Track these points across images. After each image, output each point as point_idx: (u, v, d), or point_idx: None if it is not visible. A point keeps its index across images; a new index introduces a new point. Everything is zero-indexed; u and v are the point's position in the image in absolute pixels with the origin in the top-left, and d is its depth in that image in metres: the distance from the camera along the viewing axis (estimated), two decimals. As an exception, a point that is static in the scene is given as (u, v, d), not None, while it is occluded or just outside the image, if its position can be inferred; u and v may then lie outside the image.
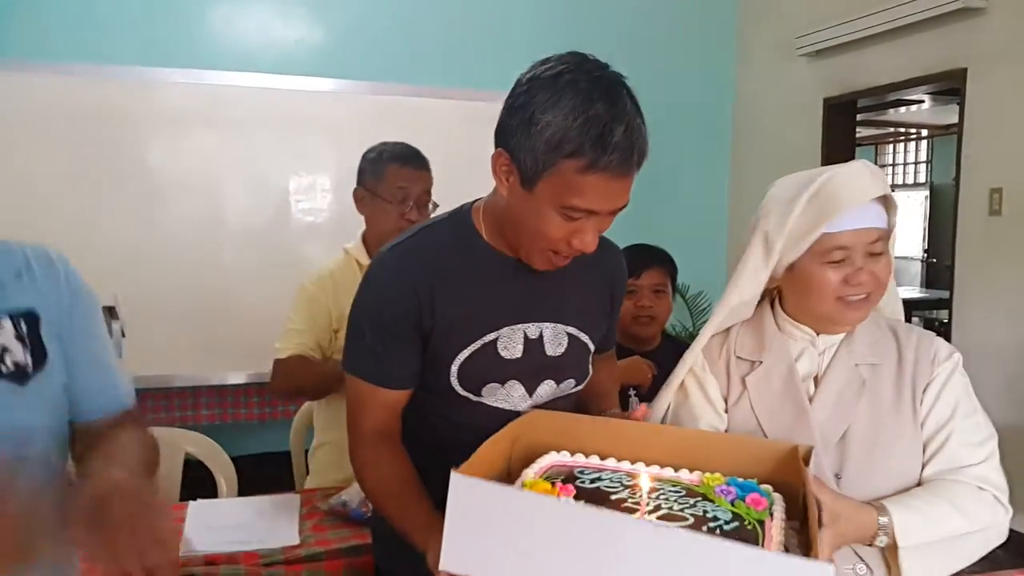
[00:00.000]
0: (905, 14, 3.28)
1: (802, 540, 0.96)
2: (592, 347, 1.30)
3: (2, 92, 3.11)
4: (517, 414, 1.23)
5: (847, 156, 3.98)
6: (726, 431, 1.27)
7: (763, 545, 0.91)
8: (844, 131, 3.98)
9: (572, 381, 1.28)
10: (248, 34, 3.76)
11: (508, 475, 1.11)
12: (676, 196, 4.18)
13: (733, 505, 0.98)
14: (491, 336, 1.19)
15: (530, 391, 1.24)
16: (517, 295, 1.20)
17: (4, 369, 0.90)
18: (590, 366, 1.32)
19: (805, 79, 4.01)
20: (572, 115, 1.00)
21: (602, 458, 1.10)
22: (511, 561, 0.87)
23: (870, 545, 1.11)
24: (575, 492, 0.97)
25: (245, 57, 3.70)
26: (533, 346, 1.22)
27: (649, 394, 2.09)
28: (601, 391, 1.43)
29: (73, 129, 3.28)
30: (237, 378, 3.43)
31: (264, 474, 2.14)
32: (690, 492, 1.01)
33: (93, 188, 3.29)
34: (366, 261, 2.03)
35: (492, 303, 1.19)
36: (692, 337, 4.12)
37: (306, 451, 2.41)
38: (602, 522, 0.85)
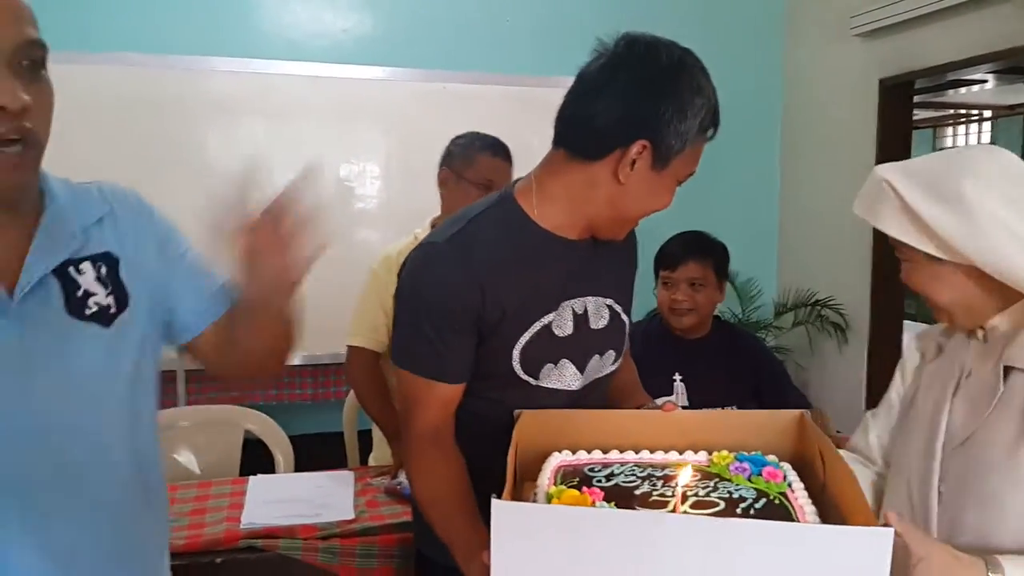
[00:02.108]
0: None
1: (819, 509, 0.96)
2: (627, 321, 1.32)
3: (63, 82, 3.17)
4: (568, 393, 1.24)
5: (903, 140, 3.88)
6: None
7: (797, 516, 0.92)
8: (900, 114, 3.87)
9: (612, 353, 1.31)
10: (299, 23, 3.80)
11: (520, 483, 1.10)
12: (726, 182, 4.11)
13: (751, 481, 0.99)
14: (548, 318, 1.20)
15: (580, 368, 1.25)
16: (566, 273, 1.22)
17: (88, 311, 0.93)
18: (625, 339, 1.33)
19: (859, 60, 3.91)
20: (709, 95, 1.14)
21: (604, 452, 1.09)
22: None
23: None
24: (603, 495, 0.95)
25: (295, 46, 3.74)
26: (581, 321, 1.23)
27: (694, 381, 2.09)
28: (625, 386, 1.43)
29: (131, 116, 3.36)
30: (293, 360, 3.48)
31: (318, 453, 2.19)
32: (705, 474, 1.01)
33: (150, 174, 3.33)
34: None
35: (546, 285, 1.20)
36: (742, 324, 4.06)
37: (359, 432, 2.46)
38: (655, 524, 0.85)
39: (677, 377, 2.08)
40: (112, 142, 3.30)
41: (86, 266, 0.95)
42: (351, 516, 1.65)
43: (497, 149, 2.07)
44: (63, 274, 0.93)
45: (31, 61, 0.85)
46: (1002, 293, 1.04)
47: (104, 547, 0.96)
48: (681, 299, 2.06)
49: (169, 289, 1.04)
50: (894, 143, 3.83)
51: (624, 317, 1.32)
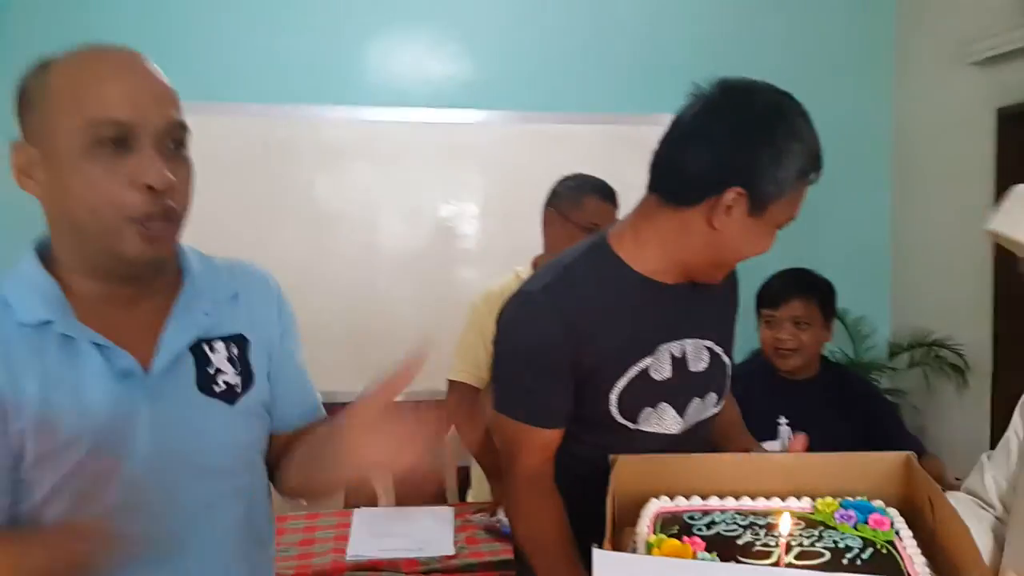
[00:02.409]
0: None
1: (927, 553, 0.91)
2: (729, 363, 1.30)
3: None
4: (669, 437, 1.22)
5: (1025, 169, 3.68)
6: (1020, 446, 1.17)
7: (905, 567, 0.88)
8: (1020, 143, 3.68)
9: (714, 396, 1.28)
10: (403, 72, 3.95)
11: (619, 529, 1.07)
12: (833, 217, 3.99)
13: (857, 529, 0.95)
14: (645, 362, 1.20)
15: (680, 411, 1.24)
16: (662, 317, 1.21)
17: (217, 389, 0.97)
18: (728, 381, 1.30)
19: (974, 88, 3.75)
20: (807, 140, 1.12)
21: (703, 498, 1.06)
22: None
23: None
24: (705, 544, 0.93)
25: (399, 93, 3.87)
26: (679, 364, 1.22)
27: (800, 424, 2.01)
28: (729, 428, 1.40)
29: (245, 164, 3.56)
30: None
31: (417, 490, 2.22)
32: (809, 522, 0.98)
33: (264, 218, 3.56)
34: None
35: (642, 329, 1.20)
36: (853, 365, 3.89)
37: (458, 468, 2.48)
38: None
39: (782, 420, 2.02)
40: (228, 190, 3.50)
41: (219, 345, 0.99)
42: (451, 552, 1.67)
43: (604, 192, 2.08)
44: (197, 351, 0.97)
45: (174, 141, 0.91)
46: None
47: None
48: (785, 338, 2.01)
49: (279, 378, 1.07)
50: (1015, 173, 3.63)
51: (725, 358, 1.30)
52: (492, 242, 3.77)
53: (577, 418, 1.21)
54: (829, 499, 1.01)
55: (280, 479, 1.09)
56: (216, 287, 1.02)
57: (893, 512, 0.99)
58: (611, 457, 1.13)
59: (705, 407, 1.28)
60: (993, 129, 3.64)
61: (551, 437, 1.20)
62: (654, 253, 1.19)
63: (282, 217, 3.61)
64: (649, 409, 1.21)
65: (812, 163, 1.13)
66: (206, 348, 0.97)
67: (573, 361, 1.17)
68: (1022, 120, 3.63)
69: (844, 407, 2.03)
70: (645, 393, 1.20)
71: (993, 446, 1.22)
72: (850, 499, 1.01)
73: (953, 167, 3.91)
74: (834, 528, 0.96)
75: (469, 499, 2.21)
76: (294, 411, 1.09)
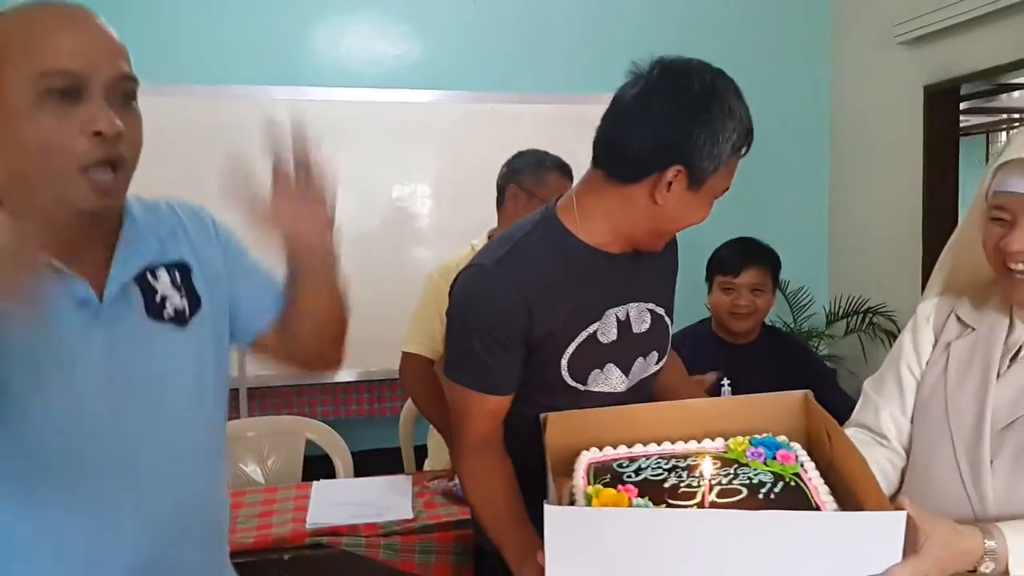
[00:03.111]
0: (1008, -6, 3.17)
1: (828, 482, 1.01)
2: (669, 323, 1.39)
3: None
4: (615, 395, 1.30)
5: (951, 146, 3.86)
6: (917, 384, 1.24)
7: (813, 497, 0.97)
8: (947, 119, 3.85)
9: (656, 354, 1.37)
10: (352, 52, 3.96)
11: (556, 484, 1.13)
12: (775, 191, 4.14)
13: (767, 465, 1.04)
14: (593, 327, 1.27)
15: (625, 371, 1.32)
16: (608, 284, 1.28)
17: (166, 315, 1.02)
18: (668, 340, 1.39)
19: (903, 67, 3.91)
20: (741, 117, 1.18)
21: (628, 446, 1.14)
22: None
23: (973, 572, 0.98)
24: (637, 490, 1.00)
25: (349, 74, 3.89)
26: (623, 327, 1.30)
27: (742, 386, 2.13)
28: (675, 383, 1.49)
29: (192, 144, 3.53)
30: (348, 376, 3.62)
31: (376, 468, 2.27)
32: (724, 461, 1.06)
33: (212, 198, 3.54)
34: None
35: (590, 297, 1.27)
36: (793, 333, 4.03)
37: (415, 446, 2.55)
38: (696, 521, 0.93)
39: (725, 382, 2.13)
40: (176, 168, 3.46)
41: (162, 273, 1.04)
42: (410, 516, 1.74)
43: (564, 169, 2.13)
44: (143, 280, 1.02)
45: (124, 93, 0.94)
46: None
47: (180, 524, 1.04)
48: (744, 304, 2.12)
49: (234, 292, 1.13)
50: (942, 149, 3.82)
51: (667, 319, 1.38)
52: (445, 221, 3.81)
53: (528, 382, 1.27)
54: (740, 438, 1.10)
55: (299, 355, 1.18)
56: (155, 222, 1.07)
57: (796, 446, 1.08)
58: (541, 416, 1.20)
59: (648, 365, 1.36)
60: (921, 106, 3.81)
61: (501, 404, 1.26)
62: (600, 225, 1.25)
63: (229, 201, 3.60)
64: (597, 371, 1.28)
65: (745, 138, 1.20)
66: (150, 277, 1.02)
67: (524, 331, 1.22)
68: (947, 97, 3.81)
69: (782, 368, 2.15)
70: (593, 356, 1.27)
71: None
72: (758, 436, 1.10)
73: (885, 143, 4.07)
74: (747, 465, 1.04)
75: (426, 468, 2.28)
76: (265, 305, 1.15)
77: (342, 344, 1.18)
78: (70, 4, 0.94)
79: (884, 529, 0.88)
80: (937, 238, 3.84)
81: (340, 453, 2.27)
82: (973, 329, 1.19)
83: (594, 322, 1.27)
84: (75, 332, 0.96)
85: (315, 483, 1.94)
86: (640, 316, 1.32)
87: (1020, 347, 1.14)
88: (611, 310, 1.29)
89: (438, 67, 4.02)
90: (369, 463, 2.42)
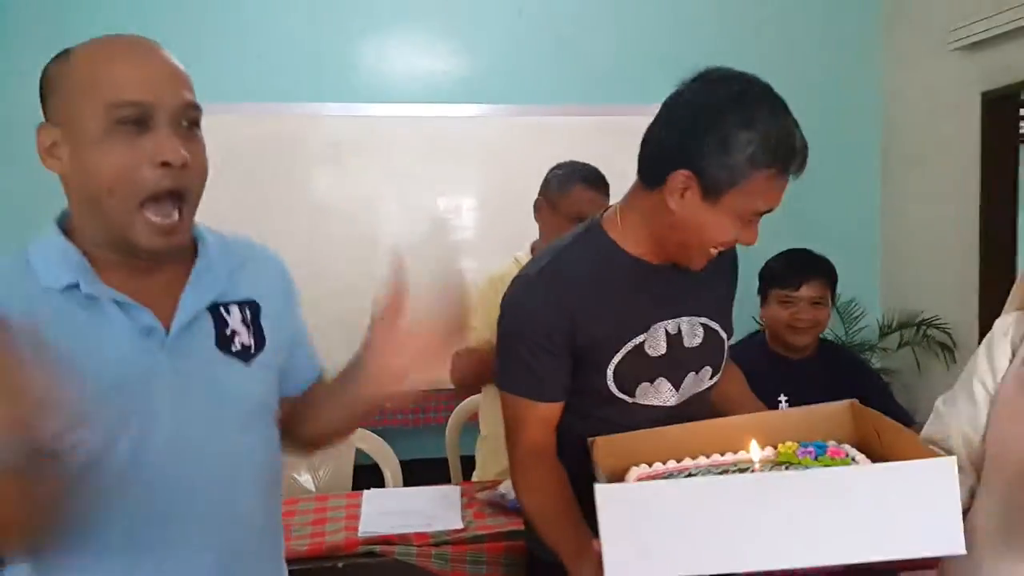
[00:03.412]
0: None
1: None
2: (725, 336, 1.37)
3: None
4: (666, 409, 1.30)
5: (1010, 152, 3.76)
6: (991, 400, 1.21)
7: None
8: (1006, 126, 3.75)
9: (709, 369, 1.35)
10: (398, 68, 4.02)
11: None
12: (825, 199, 4.06)
13: (818, 460, 1.04)
14: (639, 338, 1.27)
15: (676, 385, 1.31)
16: (656, 296, 1.28)
17: (234, 348, 1.04)
18: (725, 355, 1.37)
19: (959, 74, 3.82)
20: (765, 130, 1.12)
21: (678, 460, 1.14)
22: (684, 551, 0.93)
23: None
24: None
25: (396, 89, 3.93)
26: (674, 341, 1.29)
27: (799, 401, 2.09)
28: (738, 397, 1.47)
29: (249, 160, 3.63)
30: (396, 386, 3.65)
31: (421, 478, 2.28)
32: (775, 465, 1.07)
33: (267, 213, 3.62)
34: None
35: (635, 308, 1.27)
36: (845, 346, 3.96)
37: (461, 457, 2.56)
38: (753, 483, 0.94)
39: (783, 398, 2.09)
40: (228, 188, 3.56)
41: (233, 308, 1.06)
42: (460, 526, 1.74)
43: (591, 180, 2.10)
44: (215, 312, 1.04)
45: (189, 121, 0.97)
46: None
47: (240, 548, 1.06)
48: (805, 318, 2.07)
49: (288, 345, 1.14)
50: (1000, 157, 3.72)
51: (722, 334, 1.36)
52: (490, 233, 3.83)
53: (578, 392, 1.28)
54: (790, 443, 1.10)
55: (294, 434, 1.17)
56: (228, 255, 1.09)
57: (847, 445, 1.09)
58: (588, 440, 1.21)
59: (700, 380, 1.35)
60: (978, 113, 3.72)
61: (551, 411, 1.27)
62: (640, 234, 1.26)
63: (282, 213, 3.68)
64: (647, 384, 1.28)
65: (768, 155, 1.12)
66: (222, 310, 1.04)
67: (568, 338, 1.24)
68: (1005, 104, 3.71)
69: (839, 384, 2.09)
70: (641, 368, 1.27)
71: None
72: (808, 442, 1.10)
73: (940, 151, 3.98)
74: (799, 463, 1.05)
75: (474, 479, 2.29)
76: (301, 375, 1.17)
77: (338, 443, 1.25)
78: (134, 36, 0.98)
79: (934, 475, 0.90)
80: (995, 248, 3.73)
81: (389, 462, 2.29)
82: None
83: (640, 334, 1.27)
84: (139, 360, 0.97)
85: (366, 492, 1.96)
86: (692, 330, 1.31)
87: None
88: (660, 323, 1.28)
89: (483, 81, 4.05)
90: (416, 472, 2.43)
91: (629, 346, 1.26)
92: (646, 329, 1.27)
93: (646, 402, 1.29)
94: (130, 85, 0.92)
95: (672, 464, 1.14)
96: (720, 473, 1.07)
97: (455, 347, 1.05)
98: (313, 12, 3.87)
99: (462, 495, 1.94)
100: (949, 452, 1.21)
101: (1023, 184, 3.82)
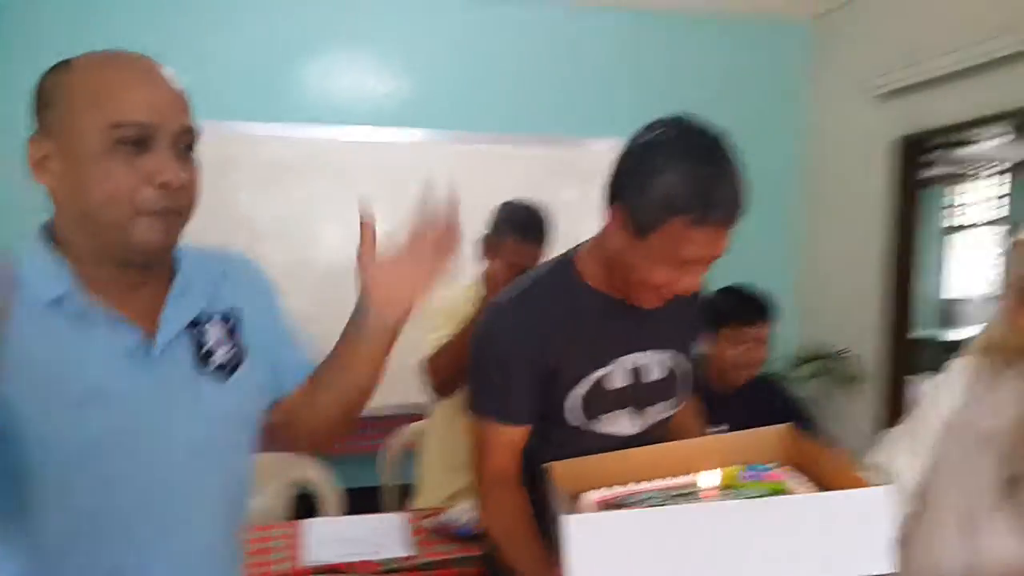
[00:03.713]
0: (977, 54, 3.32)
1: None
2: (681, 371, 1.41)
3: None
4: (624, 438, 1.34)
5: (915, 195, 4.00)
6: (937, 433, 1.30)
7: None
8: (913, 170, 3.99)
9: (670, 403, 1.40)
10: (341, 89, 4.01)
11: None
12: (749, 237, 4.22)
13: (757, 484, 1.12)
14: (602, 371, 1.31)
15: (636, 416, 1.35)
16: (620, 331, 1.32)
17: (212, 365, 1.03)
18: (686, 388, 1.43)
19: (875, 119, 4.06)
20: (682, 177, 1.12)
21: (629, 484, 1.20)
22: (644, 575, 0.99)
23: None
24: None
25: (338, 111, 3.92)
26: (636, 375, 1.33)
27: (736, 428, 2.16)
28: (683, 422, 1.53)
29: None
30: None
31: (358, 507, 2.26)
32: (720, 489, 1.13)
33: (202, 232, 3.55)
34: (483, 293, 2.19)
35: (599, 341, 1.31)
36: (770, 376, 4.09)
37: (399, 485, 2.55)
38: (711, 512, 1.00)
39: (725, 427, 2.16)
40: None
41: (212, 323, 1.06)
42: (408, 553, 1.74)
43: (527, 230, 2.10)
44: (193, 329, 1.04)
45: (186, 145, 0.98)
46: None
47: (204, 566, 1.05)
48: (755, 356, 2.12)
49: (273, 348, 1.14)
50: (909, 199, 3.96)
51: (685, 365, 1.41)
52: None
53: (543, 418, 1.32)
54: (732, 467, 1.18)
55: (295, 431, 1.16)
56: (206, 270, 1.09)
57: (785, 468, 1.17)
58: (545, 466, 1.24)
59: (661, 412, 1.39)
60: (892, 157, 3.95)
61: (518, 435, 1.31)
62: (601, 269, 1.31)
63: (218, 232, 3.60)
64: (607, 415, 1.33)
65: (683, 201, 1.12)
66: (200, 327, 1.04)
67: (537, 365, 1.28)
68: (917, 149, 3.96)
69: (773, 413, 2.18)
70: (602, 400, 1.32)
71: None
72: (749, 465, 1.19)
73: (856, 192, 4.21)
74: (742, 487, 1.12)
75: (415, 507, 2.28)
76: (291, 375, 1.16)
77: (353, 422, 1.18)
78: (141, 56, 0.99)
79: (874, 502, 1.00)
80: (897, 286, 3.97)
81: (329, 490, 2.26)
82: (998, 385, 1.24)
83: (603, 367, 1.31)
84: (124, 376, 0.96)
85: (308, 521, 1.93)
86: (654, 365, 1.36)
87: None
88: (623, 358, 1.32)
89: (428, 106, 4.07)
90: (351, 501, 2.40)
91: (592, 378, 1.30)
92: (609, 362, 1.31)
93: (605, 431, 1.33)
94: (136, 106, 0.93)
95: (628, 487, 1.19)
96: (672, 497, 1.12)
97: (446, 252, 1.09)
98: (252, 28, 3.84)
99: (409, 521, 1.94)
100: (890, 476, 1.29)
101: (923, 225, 4.07)
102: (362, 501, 2.40)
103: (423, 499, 2.29)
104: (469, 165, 3.92)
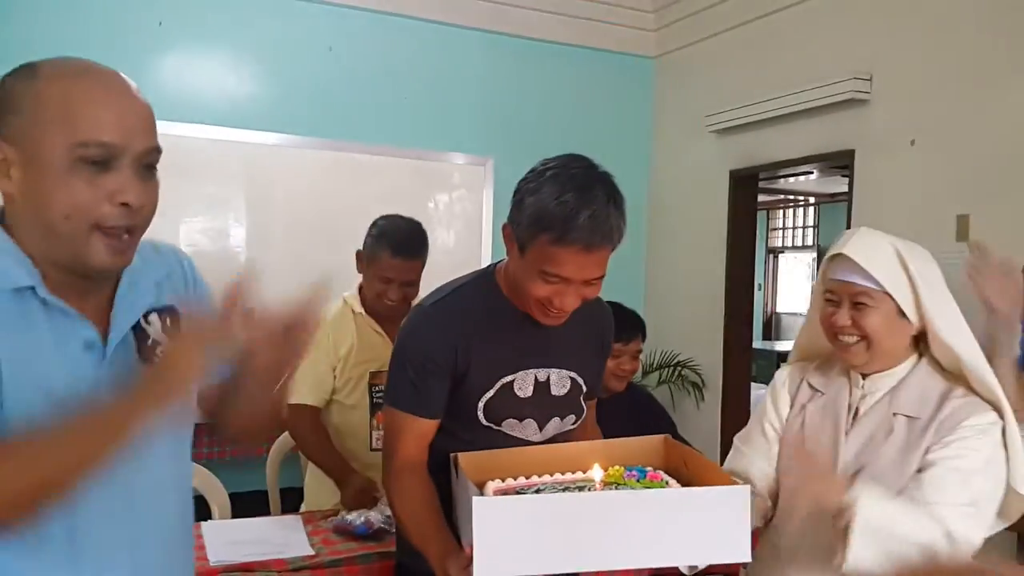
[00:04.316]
0: (800, 101, 3.80)
1: None
2: (585, 389, 1.55)
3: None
4: (528, 442, 1.49)
5: (750, 221, 4.49)
6: (779, 438, 1.50)
7: None
8: (747, 199, 4.48)
9: (572, 417, 1.55)
10: (199, 86, 3.92)
11: None
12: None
13: (640, 482, 1.31)
14: (509, 378, 1.45)
15: (540, 426, 1.49)
16: (530, 343, 1.46)
17: (155, 358, 1.06)
18: (584, 404, 1.58)
19: (712, 154, 4.50)
20: (547, 200, 1.28)
21: (527, 477, 1.35)
22: (541, 553, 1.14)
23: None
24: None
25: (194, 109, 3.84)
26: (542, 387, 1.48)
27: (609, 432, 2.37)
28: (587, 436, 1.70)
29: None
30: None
31: (241, 511, 2.26)
32: (606, 485, 1.32)
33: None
34: (360, 310, 2.26)
35: (510, 350, 1.45)
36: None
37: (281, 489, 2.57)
38: (600, 500, 1.20)
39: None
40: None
41: (154, 318, 1.08)
42: (311, 552, 1.79)
43: (400, 248, 2.15)
44: (137, 324, 1.06)
45: (148, 164, 0.99)
46: (909, 351, 1.39)
47: (166, 556, 1.10)
48: (628, 368, 2.37)
49: None
50: (742, 224, 4.42)
51: (583, 385, 1.54)
52: (292, 266, 3.82)
53: (453, 415, 1.44)
54: (617, 468, 1.36)
55: (225, 422, 1.20)
56: (153, 267, 1.11)
57: (662, 472, 1.36)
58: (452, 455, 1.38)
59: (564, 425, 1.53)
60: (727, 187, 4.40)
61: (428, 427, 1.43)
62: (509, 282, 1.44)
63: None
64: (514, 420, 1.46)
65: (544, 221, 1.27)
66: (143, 322, 1.07)
67: (450, 365, 1.40)
68: (748, 181, 4.44)
69: (642, 417, 2.43)
70: (510, 405, 1.45)
71: (723, 447, 1.59)
72: (631, 467, 1.37)
73: (696, 218, 4.65)
74: (625, 484, 1.30)
75: (303, 510, 2.31)
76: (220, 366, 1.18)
77: (271, 430, 1.27)
78: (111, 73, 0.99)
79: (731, 499, 1.19)
80: (736, 301, 4.43)
81: (216, 495, 2.25)
82: (822, 393, 1.47)
83: (511, 374, 1.45)
84: (84, 372, 0.99)
85: (204, 523, 1.93)
86: (560, 381, 1.49)
87: (859, 406, 1.41)
88: (531, 370, 1.46)
89: (290, 111, 4.06)
90: (236, 506, 2.40)
91: (500, 383, 1.44)
92: (517, 371, 1.45)
93: (513, 434, 1.47)
94: (103, 126, 0.94)
95: (523, 480, 1.34)
96: (563, 489, 1.29)
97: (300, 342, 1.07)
98: (105, 18, 3.72)
99: (305, 523, 1.98)
100: (747, 481, 1.50)
101: (759, 247, 4.57)
102: (249, 505, 2.40)
103: (310, 503, 2.33)
104: (329, 172, 3.98)
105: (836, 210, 7.89)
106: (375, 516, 1.89)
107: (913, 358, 1.41)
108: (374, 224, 2.25)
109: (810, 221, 8.43)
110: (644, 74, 4.95)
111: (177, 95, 3.82)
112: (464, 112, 4.38)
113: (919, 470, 1.31)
